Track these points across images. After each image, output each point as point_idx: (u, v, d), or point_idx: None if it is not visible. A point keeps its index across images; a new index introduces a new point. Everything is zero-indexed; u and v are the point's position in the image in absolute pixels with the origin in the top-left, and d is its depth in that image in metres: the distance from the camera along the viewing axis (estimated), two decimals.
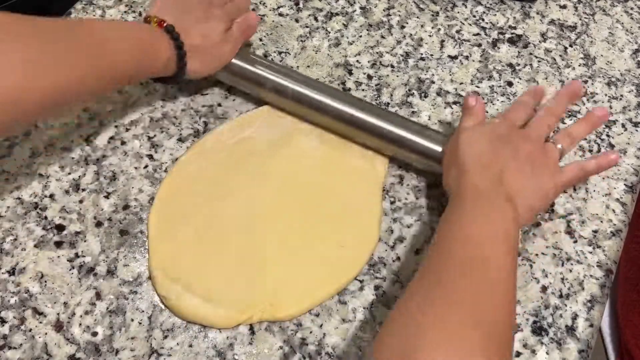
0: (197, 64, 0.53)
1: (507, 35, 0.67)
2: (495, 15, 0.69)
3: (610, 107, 0.61)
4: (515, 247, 0.41)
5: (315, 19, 0.67)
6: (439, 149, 0.52)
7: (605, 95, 0.62)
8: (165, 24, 0.51)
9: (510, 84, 0.63)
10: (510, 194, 0.44)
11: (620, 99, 0.62)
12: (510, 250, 0.41)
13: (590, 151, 0.58)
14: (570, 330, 0.47)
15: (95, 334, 0.46)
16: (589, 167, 0.50)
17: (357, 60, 0.64)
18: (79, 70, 0.44)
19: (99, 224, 0.51)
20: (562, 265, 0.51)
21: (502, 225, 0.42)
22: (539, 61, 0.65)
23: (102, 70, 0.46)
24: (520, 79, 0.63)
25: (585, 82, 0.63)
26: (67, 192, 0.53)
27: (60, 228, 0.51)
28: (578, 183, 0.54)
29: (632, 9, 0.70)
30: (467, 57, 0.65)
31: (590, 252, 0.51)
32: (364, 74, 0.63)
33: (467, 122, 0.50)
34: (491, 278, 0.39)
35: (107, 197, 0.53)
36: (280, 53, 0.64)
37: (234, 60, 0.56)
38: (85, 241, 0.50)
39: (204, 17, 0.54)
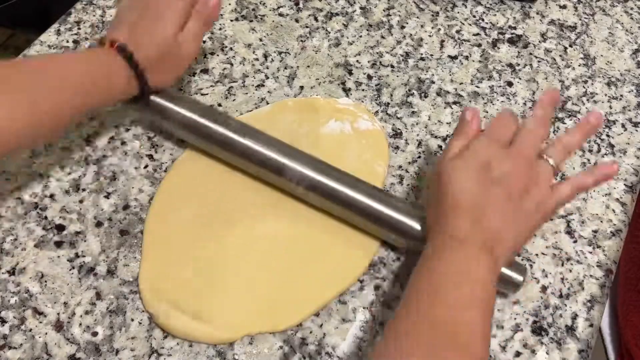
0: (160, 76, 0.51)
1: (507, 35, 0.67)
2: (495, 15, 0.69)
3: (610, 107, 0.61)
4: (490, 304, 0.39)
5: (315, 19, 0.67)
6: (417, 226, 0.47)
7: (605, 95, 0.62)
8: (116, 45, 0.48)
9: (510, 84, 0.63)
10: (490, 243, 0.40)
11: (620, 99, 0.62)
12: (483, 312, 0.38)
13: (590, 151, 0.58)
14: (570, 330, 0.47)
15: (95, 334, 0.46)
16: (586, 184, 0.45)
17: (357, 60, 0.64)
18: (20, 113, 0.42)
19: (99, 224, 0.51)
20: (562, 265, 0.51)
21: (477, 284, 0.39)
22: (539, 61, 0.65)
23: (47, 112, 0.44)
24: (520, 79, 0.63)
25: (585, 82, 0.63)
26: (67, 192, 0.53)
27: (60, 228, 0.51)
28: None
29: (632, 9, 0.70)
30: (467, 57, 0.65)
31: (590, 252, 0.51)
32: (364, 74, 0.63)
33: (455, 145, 0.45)
34: (462, 343, 0.37)
35: (107, 197, 0.53)
36: (280, 53, 0.64)
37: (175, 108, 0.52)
38: (85, 241, 0.50)
39: (155, 18, 0.50)
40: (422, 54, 0.65)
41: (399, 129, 0.58)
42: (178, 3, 0.51)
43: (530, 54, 0.65)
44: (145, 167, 0.55)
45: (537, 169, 0.43)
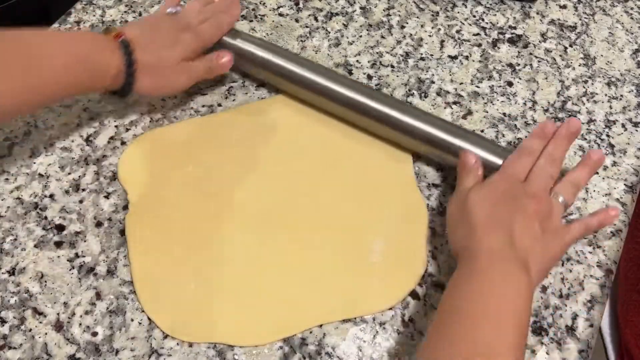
0: (147, 83, 0.52)
1: (507, 35, 0.67)
2: (495, 15, 0.69)
3: (610, 107, 0.61)
4: (528, 319, 0.40)
5: (315, 19, 0.67)
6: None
7: (605, 95, 0.62)
8: (122, 37, 0.50)
9: (510, 84, 0.63)
10: (524, 258, 0.42)
11: (620, 99, 0.62)
12: (523, 327, 0.39)
13: None
14: (570, 330, 0.47)
15: (95, 334, 0.46)
16: (592, 225, 0.47)
17: (357, 60, 0.64)
18: (7, 86, 0.43)
19: (99, 224, 0.51)
20: (562, 265, 0.50)
21: (518, 298, 0.40)
22: (539, 61, 0.65)
23: (34, 86, 0.45)
24: (520, 79, 0.63)
25: (585, 82, 0.63)
26: (67, 192, 0.53)
27: (60, 228, 0.51)
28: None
29: (632, 9, 0.70)
30: (467, 57, 0.65)
31: (590, 252, 0.51)
32: (364, 74, 0.63)
33: (468, 181, 0.49)
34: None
35: (107, 197, 0.53)
36: None
37: (242, 46, 0.57)
38: (85, 241, 0.50)
39: (170, 41, 0.53)
40: (422, 54, 0.65)
41: None
42: (191, 44, 0.53)
43: (531, 54, 0.65)
44: None
45: (550, 204, 0.46)
